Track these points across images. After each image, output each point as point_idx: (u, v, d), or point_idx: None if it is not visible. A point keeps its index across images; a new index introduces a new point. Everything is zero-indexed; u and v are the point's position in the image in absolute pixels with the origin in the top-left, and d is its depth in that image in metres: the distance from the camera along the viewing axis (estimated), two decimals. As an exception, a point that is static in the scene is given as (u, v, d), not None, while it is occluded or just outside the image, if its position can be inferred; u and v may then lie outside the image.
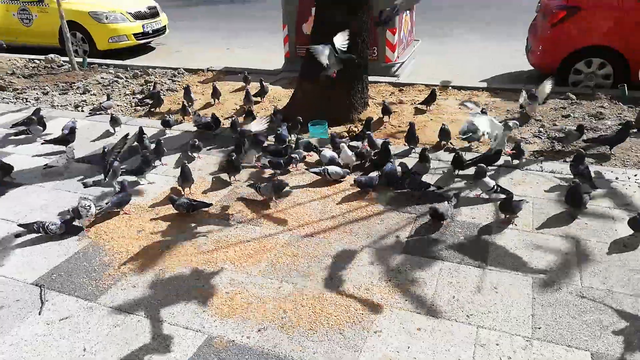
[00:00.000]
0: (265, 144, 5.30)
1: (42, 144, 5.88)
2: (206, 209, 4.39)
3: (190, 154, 5.38)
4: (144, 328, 3.14)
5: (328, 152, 5.06)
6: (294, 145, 5.36)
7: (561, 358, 2.77)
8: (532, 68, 8.43)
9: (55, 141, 5.78)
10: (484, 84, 7.88)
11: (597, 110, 6.33)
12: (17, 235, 4.08)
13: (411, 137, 5.37)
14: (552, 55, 7.65)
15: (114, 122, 6.16)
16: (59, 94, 8.09)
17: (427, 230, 4.01)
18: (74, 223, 4.15)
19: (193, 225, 4.24)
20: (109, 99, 7.25)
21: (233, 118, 5.98)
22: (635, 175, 4.68)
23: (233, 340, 3.00)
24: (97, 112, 6.95)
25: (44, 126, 6.13)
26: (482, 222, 4.09)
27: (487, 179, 4.30)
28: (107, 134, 6.19)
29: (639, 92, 6.87)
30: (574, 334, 2.92)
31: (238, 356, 2.89)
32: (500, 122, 4.32)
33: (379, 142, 5.23)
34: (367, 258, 3.71)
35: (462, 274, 3.48)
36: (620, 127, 5.20)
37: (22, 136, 6.17)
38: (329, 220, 4.22)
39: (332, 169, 4.79)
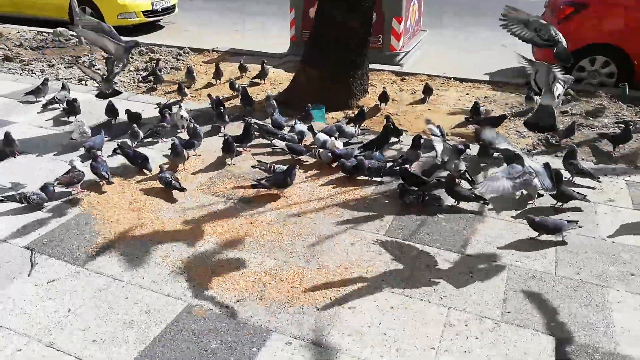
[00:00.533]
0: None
1: (61, 110, 6.15)
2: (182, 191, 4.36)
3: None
4: (128, 294, 3.25)
5: (322, 135, 5.13)
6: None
7: (527, 341, 2.85)
8: (537, 63, 8.38)
9: (65, 110, 6.02)
10: (487, 77, 7.87)
11: (596, 108, 6.33)
12: (1, 201, 4.17)
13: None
14: (556, 51, 7.62)
15: (111, 113, 5.91)
16: (65, 67, 8.19)
17: (410, 216, 4.08)
18: (56, 189, 4.26)
19: (184, 199, 4.34)
20: None
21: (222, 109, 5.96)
22: (625, 173, 4.71)
23: (212, 309, 3.11)
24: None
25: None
26: (466, 209, 4.15)
27: (460, 162, 4.42)
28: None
29: (640, 92, 6.85)
30: (542, 320, 3.00)
31: (215, 324, 3.00)
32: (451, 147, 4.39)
33: (352, 131, 5.31)
34: (349, 239, 3.79)
35: (440, 258, 3.56)
36: (624, 126, 5.22)
37: (52, 106, 6.34)
38: (316, 202, 4.30)
39: (324, 152, 4.85)
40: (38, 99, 6.47)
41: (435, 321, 3.00)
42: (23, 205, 4.14)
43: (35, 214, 4.11)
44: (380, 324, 2.98)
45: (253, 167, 4.69)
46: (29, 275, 3.42)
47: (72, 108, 5.87)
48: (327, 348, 2.82)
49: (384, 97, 6.40)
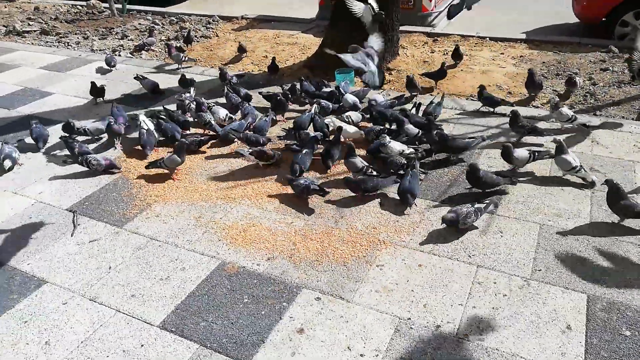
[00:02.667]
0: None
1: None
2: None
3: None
4: (164, 252, 3.39)
5: (350, 97, 5.11)
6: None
7: (557, 298, 2.83)
8: (577, 20, 8.00)
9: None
10: (523, 36, 7.57)
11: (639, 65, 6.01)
12: (64, 161, 4.38)
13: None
14: (599, 5, 7.24)
15: (97, 93, 5.78)
16: (99, 39, 8.35)
17: (440, 177, 4.05)
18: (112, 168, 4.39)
19: (216, 164, 4.43)
20: (151, 35, 7.56)
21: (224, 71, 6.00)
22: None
23: (244, 266, 3.21)
24: (142, 49, 7.34)
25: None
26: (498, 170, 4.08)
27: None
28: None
29: (690, 46, 6.45)
30: (573, 277, 2.96)
31: (247, 280, 3.10)
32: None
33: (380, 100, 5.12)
34: (377, 200, 3.81)
35: (488, 210, 3.50)
36: None
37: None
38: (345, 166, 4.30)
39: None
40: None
41: (463, 279, 3.01)
42: (63, 170, 4.33)
43: (76, 177, 4.29)
44: (408, 281, 3.02)
45: (279, 137, 4.71)
46: (71, 235, 3.60)
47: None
48: (356, 303, 2.88)
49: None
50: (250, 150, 4.30)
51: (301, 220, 3.63)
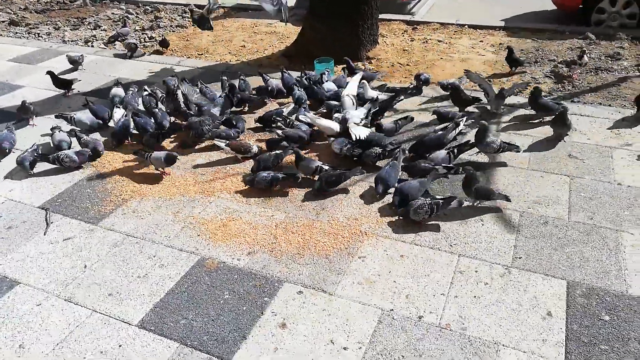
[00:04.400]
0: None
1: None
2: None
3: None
4: (142, 249, 3.31)
5: (329, 84, 5.09)
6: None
7: (537, 285, 2.84)
8: (555, 8, 8.03)
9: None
10: (502, 23, 7.57)
11: (615, 51, 6.09)
12: (32, 163, 4.21)
13: None
14: (575, -8, 7.27)
15: (63, 86, 5.71)
16: (70, 29, 8.11)
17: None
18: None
19: (193, 157, 4.34)
20: (125, 25, 7.34)
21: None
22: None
23: (224, 262, 3.15)
24: (116, 40, 7.17)
25: None
26: (477, 160, 4.08)
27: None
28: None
29: (664, 32, 6.55)
30: (553, 264, 2.98)
31: (227, 275, 3.04)
32: None
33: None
34: (359, 191, 3.78)
35: (450, 207, 3.51)
36: None
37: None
38: (325, 157, 4.25)
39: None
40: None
41: (445, 268, 3.00)
42: (36, 166, 4.21)
43: (48, 173, 4.16)
44: (390, 272, 3.00)
45: (273, 125, 4.61)
46: (44, 234, 3.49)
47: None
48: (338, 296, 2.85)
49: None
50: (228, 142, 4.22)
51: (282, 213, 3.58)
